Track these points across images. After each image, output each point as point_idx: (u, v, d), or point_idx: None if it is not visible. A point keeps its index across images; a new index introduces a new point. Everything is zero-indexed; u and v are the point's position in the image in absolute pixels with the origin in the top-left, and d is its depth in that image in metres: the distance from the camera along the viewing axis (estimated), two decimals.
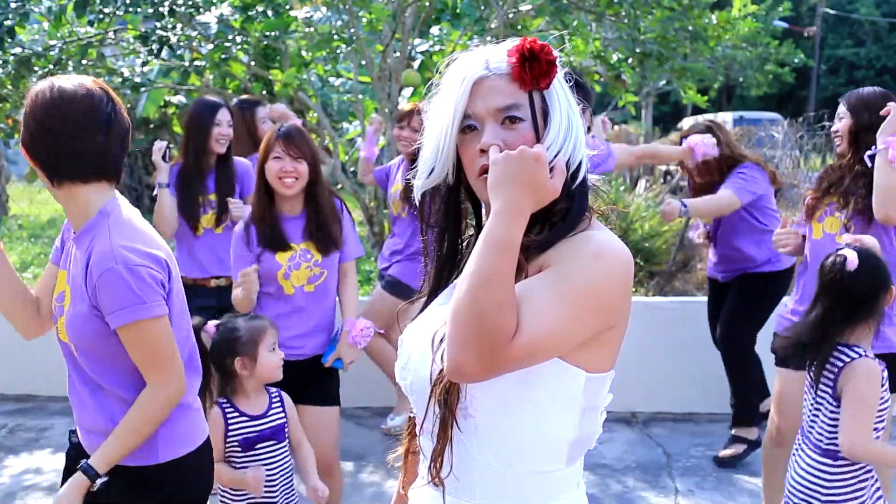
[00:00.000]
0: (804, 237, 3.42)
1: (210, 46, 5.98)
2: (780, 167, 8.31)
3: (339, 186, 6.64)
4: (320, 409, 3.20)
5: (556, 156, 1.33)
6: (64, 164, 1.95)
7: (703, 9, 7.19)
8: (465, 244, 1.50)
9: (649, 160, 4.18)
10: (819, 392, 2.59)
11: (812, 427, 2.62)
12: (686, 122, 19.98)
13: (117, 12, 5.85)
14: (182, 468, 2.07)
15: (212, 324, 2.84)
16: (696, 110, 23.93)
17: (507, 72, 1.34)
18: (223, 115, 3.95)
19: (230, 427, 2.75)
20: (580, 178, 1.38)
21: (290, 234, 3.13)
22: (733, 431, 4.42)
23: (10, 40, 5.74)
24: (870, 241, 2.73)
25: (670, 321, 5.02)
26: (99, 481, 1.98)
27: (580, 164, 1.38)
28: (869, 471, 2.54)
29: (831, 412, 2.54)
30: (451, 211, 1.46)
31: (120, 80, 6.16)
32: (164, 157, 3.83)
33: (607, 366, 1.38)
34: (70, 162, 1.95)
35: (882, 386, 2.51)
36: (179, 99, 7.74)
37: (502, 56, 1.35)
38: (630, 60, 6.89)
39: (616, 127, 19.99)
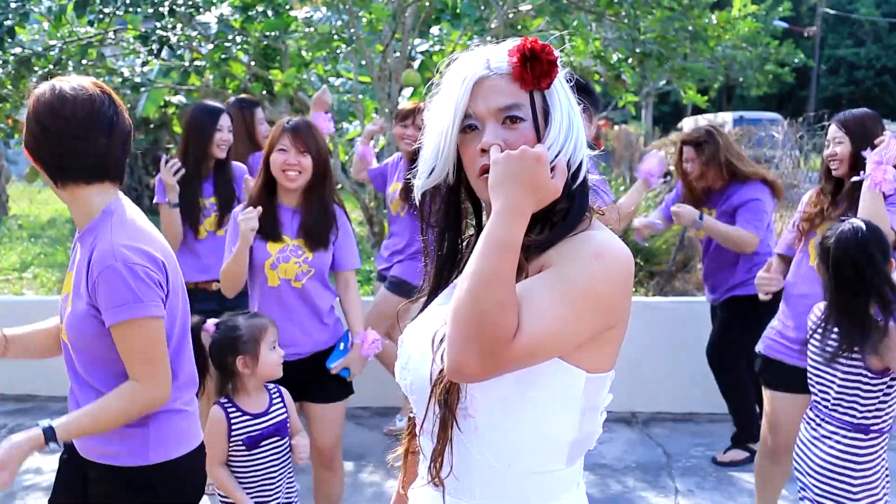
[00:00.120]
0: (788, 263, 3.44)
1: (210, 46, 5.98)
2: (780, 167, 8.31)
3: (340, 186, 6.64)
4: (323, 406, 3.21)
5: (556, 156, 1.33)
6: (67, 166, 1.96)
7: (703, 9, 7.18)
8: (465, 244, 1.50)
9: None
10: (847, 372, 2.60)
11: (837, 406, 2.63)
12: (686, 123, 19.99)
13: (117, 12, 5.84)
14: (173, 470, 2.07)
15: (211, 322, 2.84)
16: (696, 110, 23.94)
17: (508, 71, 1.34)
18: (224, 121, 3.98)
19: (233, 426, 2.75)
20: (581, 179, 1.38)
21: (285, 226, 3.13)
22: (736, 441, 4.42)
23: (10, 40, 5.74)
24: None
25: (670, 321, 5.03)
26: (52, 445, 1.94)
27: (580, 164, 1.38)
28: (885, 437, 2.63)
29: (867, 385, 2.57)
30: (452, 211, 1.46)
31: (120, 80, 6.15)
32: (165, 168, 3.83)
33: (607, 366, 1.38)
34: (73, 163, 1.96)
35: None
36: (179, 99, 7.73)
37: (503, 56, 1.35)
38: (630, 60, 6.88)
39: (616, 127, 20.02)
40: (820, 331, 2.68)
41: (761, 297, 3.46)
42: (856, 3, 32.82)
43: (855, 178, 3.11)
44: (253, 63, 6.58)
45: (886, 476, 2.67)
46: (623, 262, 1.33)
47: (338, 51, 6.38)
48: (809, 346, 2.76)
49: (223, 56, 5.96)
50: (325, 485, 3.31)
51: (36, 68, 5.76)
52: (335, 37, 6.17)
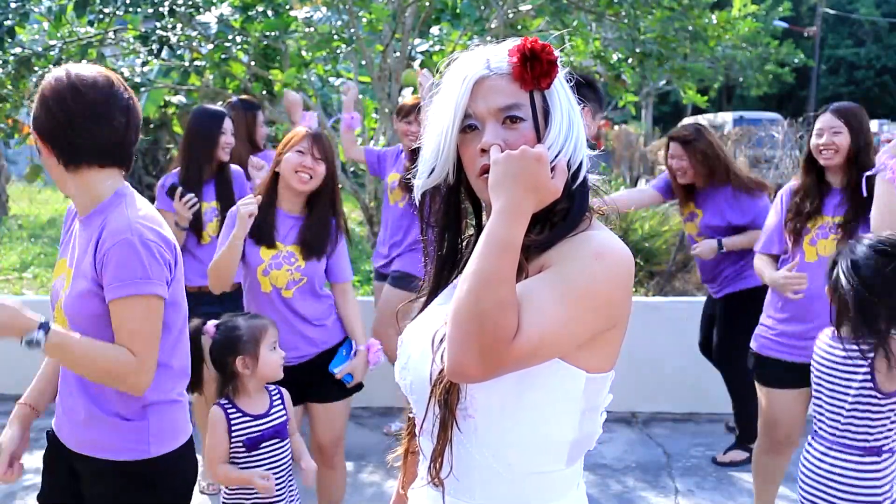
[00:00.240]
0: (775, 260, 3.42)
1: (210, 46, 5.98)
2: (780, 167, 8.32)
3: (340, 186, 6.63)
4: (326, 405, 3.21)
5: (557, 156, 1.33)
6: (84, 148, 1.97)
7: (703, 9, 7.18)
8: (465, 244, 1.50)
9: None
10: (858, 396, 2.54)
11: (846, 432, 2.57)
12: (686, 123, 19.98)
13: (117, 12, 5.85)
14: (170, 463, 2.08)
15: (211, 324, 2.84)
16: (696, 110, 23.94)
17: (508, 71, 1.34)
18: (228, 125, 4.01)
19: (233, 427, 2.75)
20: (581, 179, 1.38)
21: (281, 232, 3.13)
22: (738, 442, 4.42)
23: (10, 40, 5.74)
24: None
25: (670, 321, 5.03)
26: (37, 337, 1.85)
27: (581, 164, 1.38)
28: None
29: (877, 407, 2.51)
30: (452, 210, 1.46)
31: None
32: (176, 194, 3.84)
33: (607, 366, 1.38)
34: (91, 146, 1.97)
35: None
36: (179, 99, 7.72)
37: (503, 56, 1.35)
38: (630, 60, 6.88)
39: (616, 127, 20.03)
40: (838, 349, 2.59)
41: (791, 297, 3.29)
42: (856, 3, 32.81)
43: (868, 173, 3.08)
44: (253, 63, 6.58)
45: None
46: (623, 262, 1.33)
47: (338, 51, 6.38)
48: (819, 369, 2.66)
49: (223, 56, 5.97)
50: (328, 483, 3.31)
51: (36, 68, 5.76)
52: (335, 37, 6.17)
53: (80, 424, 2.06)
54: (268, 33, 6.11)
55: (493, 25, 6.14)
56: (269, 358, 2.79)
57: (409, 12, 6.07)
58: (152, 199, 4.09)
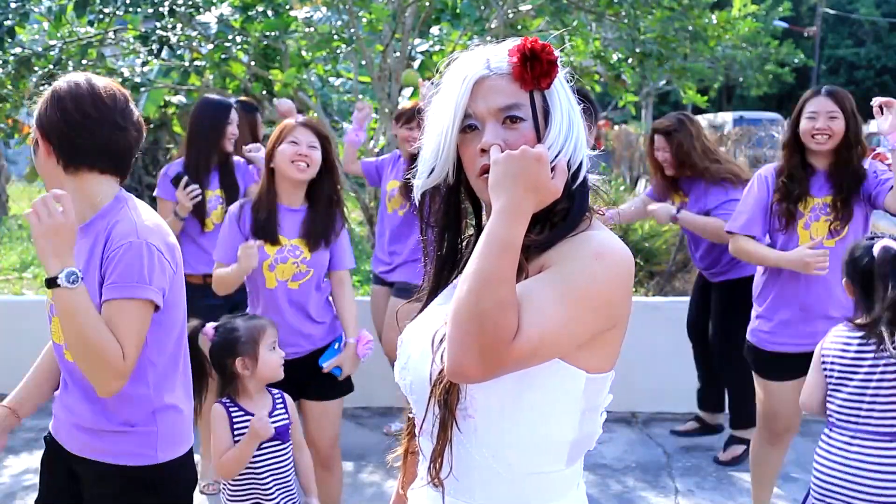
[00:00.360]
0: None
1: (210, 46, 5.98)
2: None
3: (339, 186, 6.63)
4: (320, 403, 3.21)
5: (557, 156, 1.33)
6: (86, 151, 2.00)
7: (703, 9, 7.19)
8: (465, 244, 1.50)
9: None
10: (881, 380, 2.52)
11: (869, 419, 2.54)
12: (670, 114, 19.95)
13: (117, 12, 5.85)
14: (173, 470, 2.09)
15: (210, 326, 2.84)
16: (696, 110, 23.91)
17: (508, 71, 1.34)
18: (234, 115, 4.05)
19: (235, 426, 2.74)
20: (581, 179, 1.38)
21: (285, 227, 3.13)
22: (732, 432, 4.42)
23: (10, 40, 5.74)
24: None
25: (670, 321, 5.02)
26: (73, 273, 1.85)
27: (581, 164, 1.38)
28: None
29: None
30: (451, 211, 1.46)
31: (120, 80, 6.13)
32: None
33: (607, 366, 1.38)
34: (95, 149, 2.00)
35: None
36: (179, 99, 7.73)
37: (503, 56, 1.35)
38: (630, 60, 6.89)
39: (616, 127, 20.03)
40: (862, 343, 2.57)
41: (818, 272, 3.14)
42: (856, 3, 32.81)
43: (879, 150, 3.09)
44: (253, 63, 6.58)
45: None
46: (623, 263, 1.33)
47: (338, 51, 6.38)
48: (834, 362, 2.63)
49: (223, 56, 5.97)
50: (324, 485, 3.30)
51: (36, 68, 5.76)
52: (335, 37, 6.17)
53: (84, 432, 2.06)
54: (268, 33, 6.11)
55: (493, 25, 6.14)
56: (269, 358, 2.79)
57: (409, 12, 6.07)
58: (152, 200, 4.11)
